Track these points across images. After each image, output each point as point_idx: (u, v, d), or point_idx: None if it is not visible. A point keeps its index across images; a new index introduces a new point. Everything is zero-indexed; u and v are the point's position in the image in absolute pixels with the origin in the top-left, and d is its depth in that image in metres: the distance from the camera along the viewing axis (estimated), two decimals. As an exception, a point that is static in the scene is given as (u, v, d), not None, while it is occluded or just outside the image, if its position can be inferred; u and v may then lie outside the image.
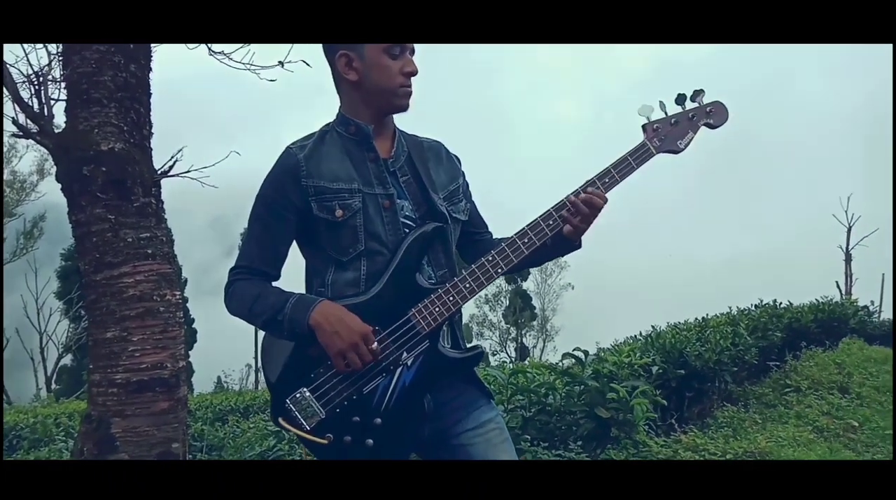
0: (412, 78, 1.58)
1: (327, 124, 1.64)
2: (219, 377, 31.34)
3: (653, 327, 6.32)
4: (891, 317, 16.85)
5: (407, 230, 1.56)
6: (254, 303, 1.50)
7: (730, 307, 7.46)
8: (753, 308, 7.71)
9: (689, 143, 1.69)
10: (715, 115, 1.72)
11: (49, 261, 29.27)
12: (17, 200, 28.04)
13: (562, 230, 1.60)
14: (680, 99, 1.70)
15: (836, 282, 22.62)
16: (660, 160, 1.74)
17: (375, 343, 1.45)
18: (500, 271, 1.57)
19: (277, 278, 1.58)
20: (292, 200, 1.53)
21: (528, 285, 42.18)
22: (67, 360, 28.22)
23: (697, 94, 1.70)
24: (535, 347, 42.04)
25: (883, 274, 22.88)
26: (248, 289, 1.53)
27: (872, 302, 12.83)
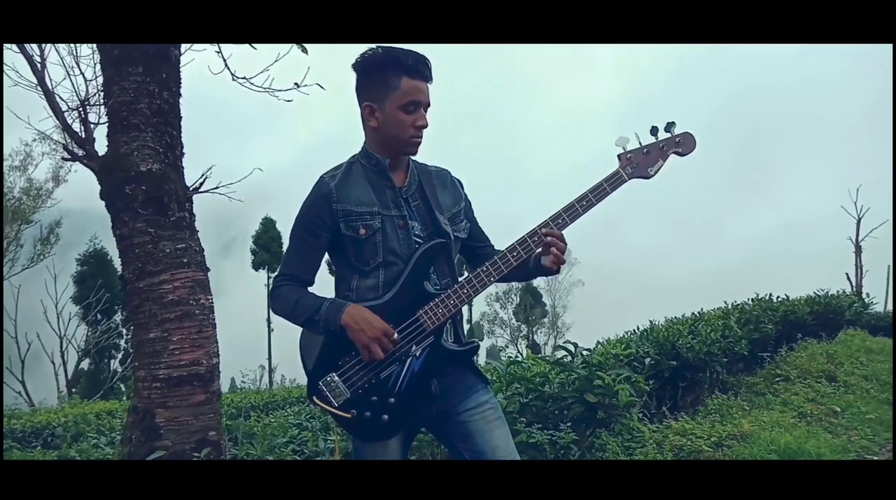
0: (423, 130, 1.91)
1: (353, 156, 1.99)
2: (233, 379, 31.79)
3: (650, 321, 6.64)
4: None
5: (417, 246, 1.91)
6: (295, 305, 1.86)
7: (725, 302, 7.77)
8: (749, 302, 8.01)
9: (658, 169, 1.96)
10: (683, 144, 1.97)
11: (66, 266, 29.74)
12: (34, 206, 28.44)
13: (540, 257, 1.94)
14: (653, 130, 1.96)
15: (847, 274, 22.72)
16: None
17: (396, 334, 1.81)
18: (492, 279, 1.91)
19: (312, 283, 1.94)
20: (326, 221, 1.89)
21: (539, 281, 42.40)
22: (84, 364, 28.67)
23: (670, 125, 1.96)
24: (545, 343, 42.27)
25: (889, 266, 22.99)
26: (290, 294, 1.89)
27: (868, 294, 13.06)
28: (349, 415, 1.83)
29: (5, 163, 26.68)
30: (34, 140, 27.19)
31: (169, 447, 3.32)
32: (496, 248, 2.13)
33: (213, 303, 3.72)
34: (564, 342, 3.38)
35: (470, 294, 1.89)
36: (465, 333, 2.06)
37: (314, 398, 1.85)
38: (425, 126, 1.91)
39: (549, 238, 1.90)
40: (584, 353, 3.53)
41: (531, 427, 3.03)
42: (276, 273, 1.95)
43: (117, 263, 34.68)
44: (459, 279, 1.94)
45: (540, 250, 1.94)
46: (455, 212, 2.04)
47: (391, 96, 1.87)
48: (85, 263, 33.10)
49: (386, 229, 1.90)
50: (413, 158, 2.03)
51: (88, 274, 31.98)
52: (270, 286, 2.12)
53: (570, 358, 3.34)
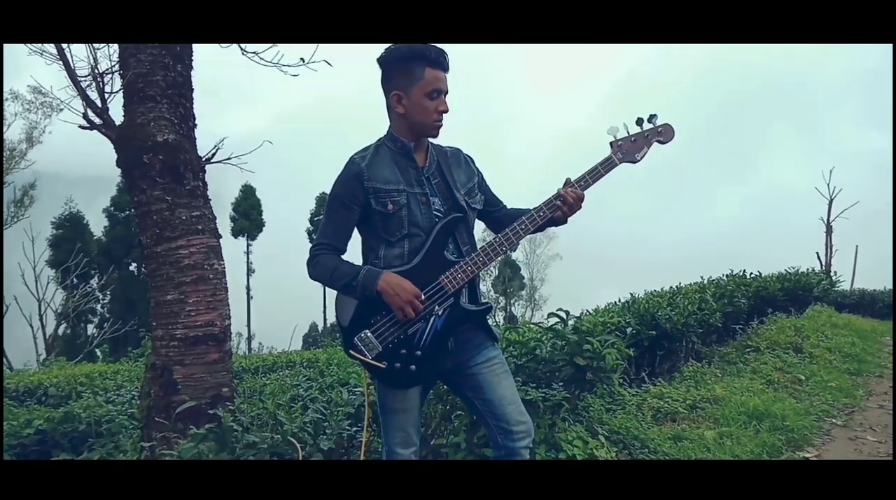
0: (444, 115, 2.14)
1: (380, 139, 2.22)
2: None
3: (630, 294, 6.96)
4: (862, 287, 17.73)
5: (437, 219, 2.15)
6: (333, 271, 2.09)
7: (701, 277, 8.14)
8: (724, 277, 8.38)
9: (644, 155, 2.24)
10: (664, 134, 2.26)
11: (43, 229, 29.34)
12: (7, 168, 27.83)
13: (552, 216, 2.19)
14: (639, 121, 2.24)
15: (817, 253, 23.45)
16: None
17: (423, 297, 2.06)
18: (505, 249, 2.17)
19: (345, 252, 2.17)
20: (357, 197, 2.12)
21: (518, 255, 42.92)
22: (60, 328, 28.42)
23: (652, 117, 2.24)
24: (523, 315, 42.87)
25: (856, 246, 23.77)
26: (328, 261, 2.12)
27: (836, 273, 13.58)
28: (382, 365, 2.08)
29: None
30: (7, 99, 26.56)
31: (186, 401, 3.53)
32: (507, 208, 2.41)
33: (224, 268, 3.92)
34: (557, 310, 3.65)
35: (485, 261, 2.14)
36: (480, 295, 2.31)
37: (351, 352, 2.10)
38: (446, 111, 2.15)
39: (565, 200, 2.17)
40: (572, 321, 3.80)
41: (526, 386, 3.31)
42: (314, 243, 2.17)
43: (93, 227, 34.35)
44: (477, 248, 2.18)
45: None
46: (470, 187, 2.29)
47: (416, 85, 2.10)
48: (60, 226, 32.72)
49: (411, 205, 2.13)
50: (429, 139, 2.26)
51: (64, 238, 31.66)
52: (308, 255, 2.30)
53: (561, 325, 3.61)
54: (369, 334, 2.09)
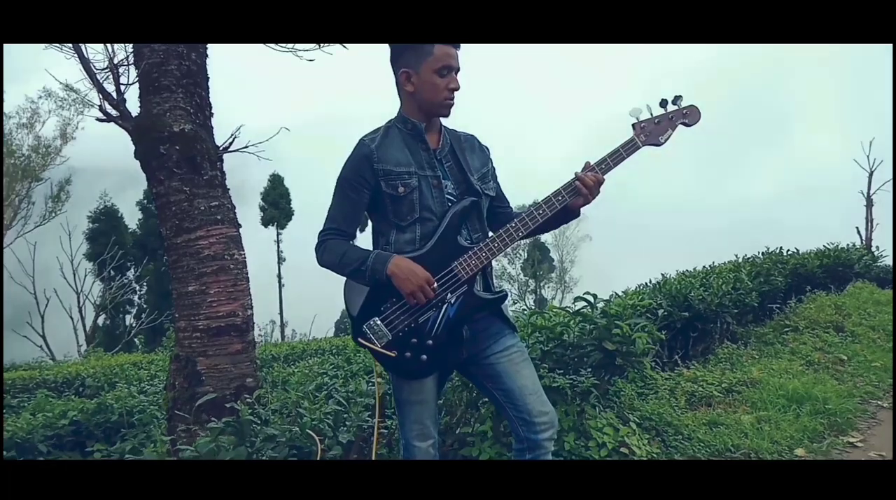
0: (455, 92, 2.04)
1: (390, 121, 2.13)
2: (247, 332, 32.14)
3: (662, 274, 6.78)
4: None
5: (450, 203, 2.06)
6: (342, 257, 2.01)
7: (736, 255, 7.89)
8: (760, 255, 8.11)
9: (668, 138, 2.12)
10: (690, 116, 2.13)
11: (79, 223, 30.00)
12: (43, 164, 28.44)
13: (568, 204, 2.08)
14: (663, 103, 2.11)
15: (857, 228, 22.66)
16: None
17: (436, 283, 1.97)
18: (520, 234, 2.06)
19: (355, 237, 2.09)
20: (367, 179, 2.03)
21: (546, 237, 42.48)
22: (99, 319, 29.11)
23: (677, 98, 2.12)
24: (553, 298, 42.56)
25: (899, 219, 22.89)
26: (337, 246, 2.04)
27: (878, 247, 13.07)
28: (392, 354, 2.00)
29: (11, 120, 26.71)
30: (40, 97, 27.06)
31: (211, 392, 3.52)
32: (513, 210, 2.29)
33: (245, 258, 3.89)
34: (584, 294, 3.52)
35: (500, 247, 2.04)
36: (494, 283, 2.22)
37: (359, 340, 2.02)
38: (457, 88, 2.05)
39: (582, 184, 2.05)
40: (601, 304, 3.68)
41: (553, 373, 3.21)
42: (322, 228, 2.09)
43: (128, 219, 35.02)
44: (490, 234, 2.08)
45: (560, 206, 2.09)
46: (484, 173, 2.19)
47: (426, 62, 2.01)
48: (96, 220, 33.33)
49: (422, 188, 2.04)
50: (443, 123, 2.16)
51: (100, 231, 32.22)
52: (317, 241, 2.25)
53: (589, 309, 3.49)
54: (379, 321, 2.01)
